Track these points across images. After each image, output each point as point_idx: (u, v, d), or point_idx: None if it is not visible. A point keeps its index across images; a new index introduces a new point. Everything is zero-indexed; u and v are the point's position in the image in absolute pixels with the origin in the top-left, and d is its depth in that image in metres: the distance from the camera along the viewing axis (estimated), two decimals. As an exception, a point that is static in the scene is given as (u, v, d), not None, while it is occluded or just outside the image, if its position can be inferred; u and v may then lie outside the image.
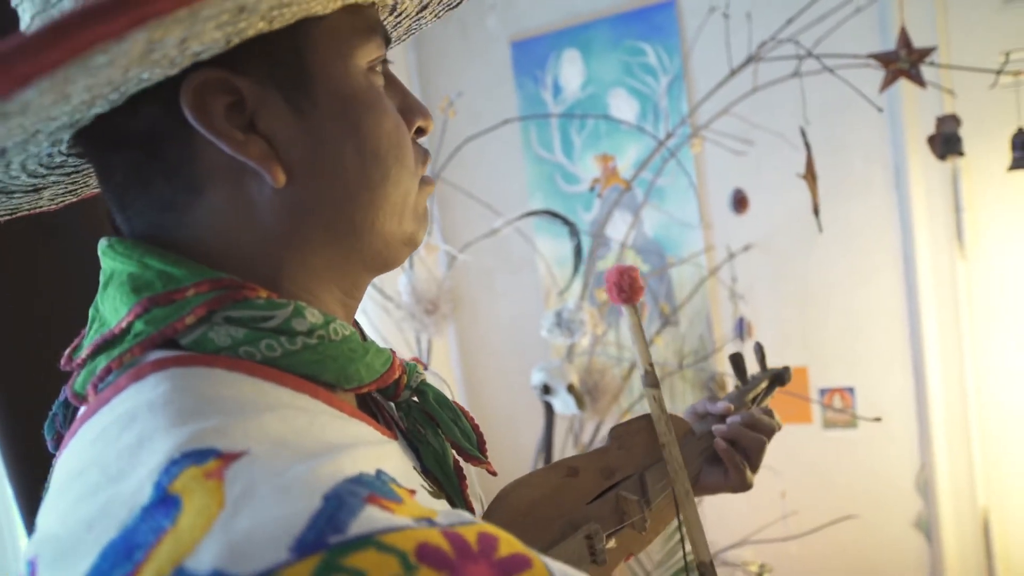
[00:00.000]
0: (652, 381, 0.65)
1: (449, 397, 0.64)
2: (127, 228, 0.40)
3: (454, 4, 0.53)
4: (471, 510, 0.46)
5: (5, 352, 0.89)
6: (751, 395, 0.77)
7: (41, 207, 0.48)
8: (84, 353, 0.37)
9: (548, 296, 2.00)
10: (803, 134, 1.21)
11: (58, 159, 0.41)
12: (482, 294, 2.10)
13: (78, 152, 0.41)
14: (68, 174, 0.44)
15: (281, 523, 0.26)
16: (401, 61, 2.04)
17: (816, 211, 1.19)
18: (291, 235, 0.39)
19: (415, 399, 0.46)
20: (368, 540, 0.26)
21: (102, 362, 0.36)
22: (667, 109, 1.82)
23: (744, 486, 0.67)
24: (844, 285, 1.75)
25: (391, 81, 0.44)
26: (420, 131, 0.45)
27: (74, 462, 0.33)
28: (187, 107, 0.35)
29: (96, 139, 0.38)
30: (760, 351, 0.81)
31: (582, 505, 0.61)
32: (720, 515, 1.86)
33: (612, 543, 0.62)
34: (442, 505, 0.42)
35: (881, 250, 1.71)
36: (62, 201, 0.49)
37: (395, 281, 1.48)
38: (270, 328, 0.36)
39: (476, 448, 0.47)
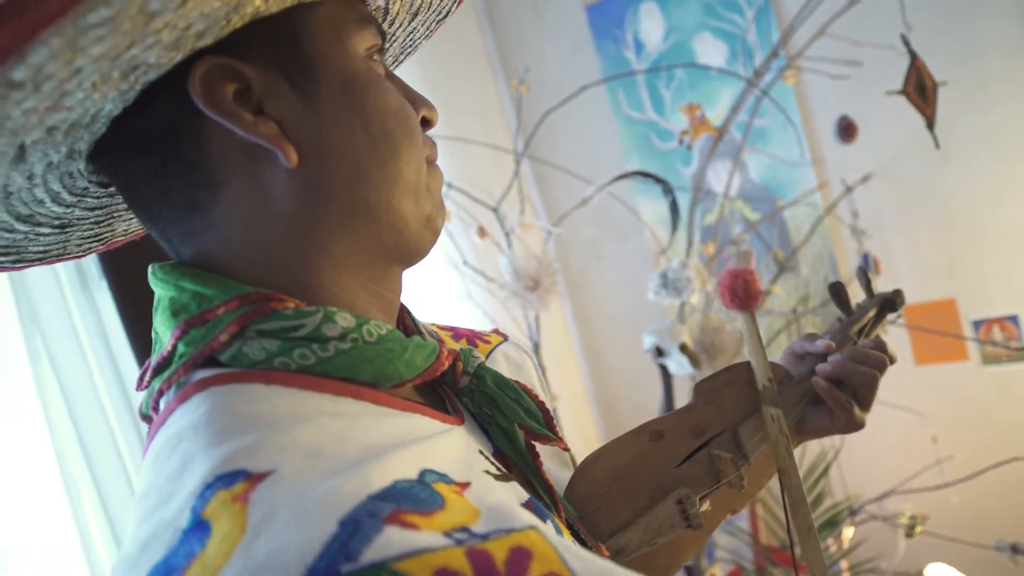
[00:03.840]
0: (772, 399, 0.60)
1: (532, 370, 0.64)
2: (167, 244, 0.42)
3: (443, 15, 0.53)
4: (547, 486, 0.46)
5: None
6: (856, 327, 0.70)
7: (69, 254, 0.50)
8: (148, 376, 0.40)
9: (657, 258, 1.95)
10: (905, 42, 1.08)
11: (80, 183, 0.42)
12: (592, 264, 2.09)
13: (100, 180, 0.43)
14: (92, 209, 0.46)
15: (294, 551, 0.26)
16: (478, 41, 2.05)
17: (930, 126, 1.06)
18: (309, 221, 0.39)
19: (475, 383, 0.46)
20: (381, 568, 0.26)
21: (156, 384, 0.38)
22: (757, 44, 1.70)
23: (854, 426, 0.63)
24: (991, 202, 1.56)
25: (392, 76, 0.45)
26: (426, 122, 0.46)
27: (141, 482, 0.36)
28: (196, 94, 0.35)
29: (113, 150, 0.38)
30: (864, 275, 0.72)
31: (671, 469, 0.58)
32: (864, 465, 1.73)
33: (707, 505, 0.59)
34: (509, 489, 0.41)
35: (1034, 156, 1.50)
36: (89, 249, 0.51)
37: (496, 262, 1.51)
38: (301, 337, 0.37)
39: (544, 426, 0.47)
